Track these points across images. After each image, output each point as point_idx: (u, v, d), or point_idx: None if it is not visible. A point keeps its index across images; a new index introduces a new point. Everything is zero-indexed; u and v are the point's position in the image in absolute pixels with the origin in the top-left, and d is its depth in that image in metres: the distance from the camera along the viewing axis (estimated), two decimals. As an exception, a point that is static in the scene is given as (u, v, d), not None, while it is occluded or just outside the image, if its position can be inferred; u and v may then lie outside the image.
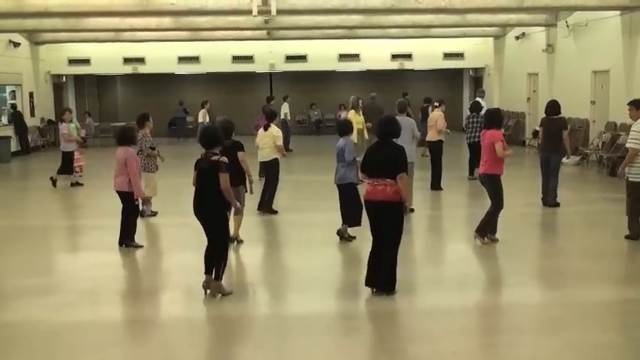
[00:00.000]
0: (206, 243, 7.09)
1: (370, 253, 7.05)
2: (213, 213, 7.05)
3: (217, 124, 9.13)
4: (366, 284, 7.06)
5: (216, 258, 7.01)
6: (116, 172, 9.17)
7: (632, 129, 9.09)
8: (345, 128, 9.47)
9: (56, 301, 7.21)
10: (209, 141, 7.12)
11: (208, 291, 7.04)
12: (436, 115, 13.59)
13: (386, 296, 6.88)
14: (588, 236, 9.86)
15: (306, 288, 7.56)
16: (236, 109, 25.97)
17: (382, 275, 6.92)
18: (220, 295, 6.98)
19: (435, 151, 13.24)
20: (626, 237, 9.06)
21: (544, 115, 11.84)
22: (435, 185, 13.08)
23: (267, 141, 11.18)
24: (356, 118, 13.75)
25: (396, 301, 6.96)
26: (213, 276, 7.00)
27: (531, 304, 6.99)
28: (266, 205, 11.24)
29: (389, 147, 6.97)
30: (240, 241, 9.17)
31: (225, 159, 7.03)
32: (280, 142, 11.30)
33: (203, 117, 22.05)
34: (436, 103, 14.27)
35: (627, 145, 9.33)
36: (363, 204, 7.11)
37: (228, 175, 6.97)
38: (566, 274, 7.95)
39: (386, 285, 6.95)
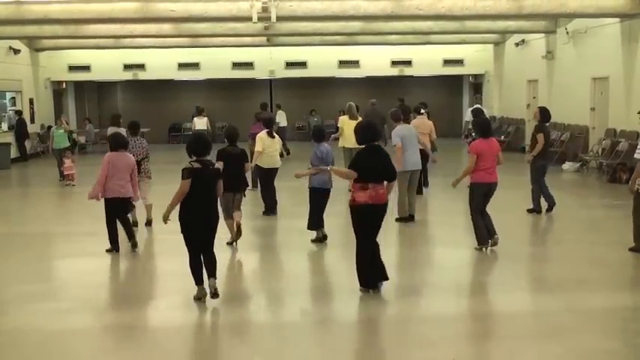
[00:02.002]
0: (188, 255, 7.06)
1: (369, 255, 7.10)
2: (218, 218, 7.27)
3: (225, 130, 9.77)
4: (369, 286, 7.14)
5: (211, 261, 7.05)
6: (123, 179, 9.19)
7: None
8: (324, 134, 9.89)
9: (52, 307, 7.18)
10: (206, 149, 7.14)
11: (207, 299, 7.02)
12: (430, 124, 13.51)
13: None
14: (589, 242, 9.82)
15: (303, 293, 7.57)
16: (236, 115, 25.97)
17: (381, 268, 7.22)
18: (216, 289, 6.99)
19: (425, 159, 13.10)
20: (630, 249, 8.83)
21: (546, 121, 11.70)
22: (419, 190, 13.17)
23: (277, 147, 11.71)
24: (350, 124, 13.68)
25: (395, 307, 6.96)
26: (209, 277, 7.01)
27: (532, 310, 6.97)
28: (274, 209, 11.79)
29: (382, 153, 7.22)
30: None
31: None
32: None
33: (204, 125, 21.12)
34: (422, 110, 14.11)
35: (636, 156, 9.22)
36: (366, 208, 7.02)
37: None
38: (567, 280, 7.92)
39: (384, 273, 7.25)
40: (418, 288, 7.81)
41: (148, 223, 10.91)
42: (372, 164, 7.07)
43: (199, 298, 7.02)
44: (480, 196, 8.89)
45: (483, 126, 9.10)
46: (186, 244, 7.02)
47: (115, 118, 13.97)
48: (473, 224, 9.02)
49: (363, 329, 6.57)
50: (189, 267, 7.04)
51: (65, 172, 15.90)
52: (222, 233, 8.97)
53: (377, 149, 7.14)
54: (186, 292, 7.18)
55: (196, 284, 7.04)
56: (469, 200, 9.03)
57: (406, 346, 6.03)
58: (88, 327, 6.62)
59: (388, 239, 10.24)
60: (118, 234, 9.28)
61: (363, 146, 7.20)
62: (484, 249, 8.97)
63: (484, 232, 8.93)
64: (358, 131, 7.27)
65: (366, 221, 7.09)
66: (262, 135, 11.63)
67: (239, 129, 9.74)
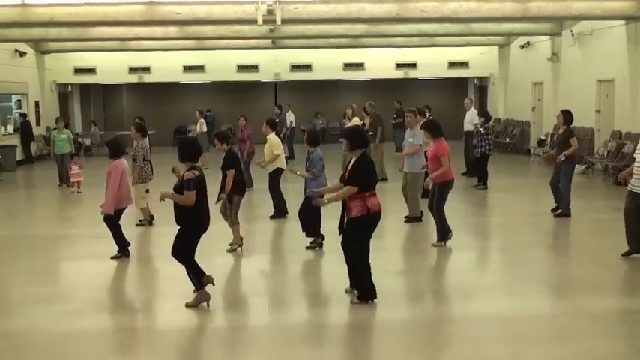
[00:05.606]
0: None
1: (368, 264, 6.97)
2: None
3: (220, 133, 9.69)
4: (374, 296, 7.02)
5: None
6: (127, 183, 9.08)
7: None
8: (319, 139, 9.71)
9: (58, 309, 7.20)
10: (200, 154, 7.05)
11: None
12: None
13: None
14: (594, 245, 9.80)
15: (306, 297, 7.58)
16: (241, 118, 25.98)
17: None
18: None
19: None
20: (623, 254, 8.77)
21: (570, 124, 11.65)
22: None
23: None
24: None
25: (400, 310, 6.94)
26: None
27: (538, 313, 6.94)
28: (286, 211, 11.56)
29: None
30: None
31: None
32: None
33: (201, 127, 20.97)
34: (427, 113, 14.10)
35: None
36: (378, 215, 6.86)
37: None
38: (572, 282, 7.91)
39: None
40: (423, 291, 7.79)
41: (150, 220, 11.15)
42: (375, 170, 7.03)
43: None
44: (448, 193, 9.42)
45: (439, 127, 9.51)
46: (189, 248, 6.89)
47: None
48: (440, 222, 9.35)
49: (367, 333, 6.56)
50: (194, 270, 6.94)
51: (73, 180, 15.23)
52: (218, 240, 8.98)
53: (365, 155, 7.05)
54: (191, 296, 7.19)
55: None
56: (438, 198, 9.34)
57: (411, 349, 6.02)
58: (94, 329, 6.63)
59: (393, 240, 10.24)
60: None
61: (362, 152, 6.97)
62: (444, 244, 9.39)
63: (448, 228, 9.38)
64: (355, 136, 7.04)
65: (372, 229, 6.93)
66: (277, 138, 11.65)
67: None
